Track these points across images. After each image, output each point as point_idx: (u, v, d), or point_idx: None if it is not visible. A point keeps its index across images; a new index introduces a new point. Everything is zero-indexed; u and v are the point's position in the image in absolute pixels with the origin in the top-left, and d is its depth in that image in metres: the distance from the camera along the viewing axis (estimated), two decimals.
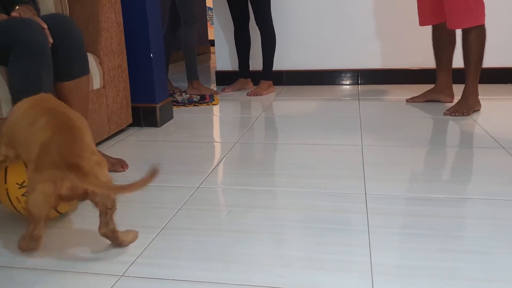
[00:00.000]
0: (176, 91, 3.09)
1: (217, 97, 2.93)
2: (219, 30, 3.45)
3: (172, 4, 2.97)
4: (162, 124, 2.24)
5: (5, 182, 1.12)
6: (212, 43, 6.15)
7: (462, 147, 1.77)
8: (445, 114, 2.28)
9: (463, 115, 2.24)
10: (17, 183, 1.11)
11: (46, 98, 1.11)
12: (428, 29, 2.50)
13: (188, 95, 2.92)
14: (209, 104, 2.74)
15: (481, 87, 2.35)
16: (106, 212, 1.00)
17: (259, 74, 3.13)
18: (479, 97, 2.31)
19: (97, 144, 1.89)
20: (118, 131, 2.10)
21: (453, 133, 1.97)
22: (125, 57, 2.03)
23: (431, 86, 2.62)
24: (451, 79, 2.51)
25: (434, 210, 1.21)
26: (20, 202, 1.12)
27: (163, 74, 2.29)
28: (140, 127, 2.21)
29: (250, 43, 3.19)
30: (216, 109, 2.63)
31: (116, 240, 1.04)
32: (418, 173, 1.50)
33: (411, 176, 1.47)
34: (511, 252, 0.99)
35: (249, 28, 3.13)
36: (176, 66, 4.34)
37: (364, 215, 1.19)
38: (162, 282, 0.92)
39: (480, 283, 0.89)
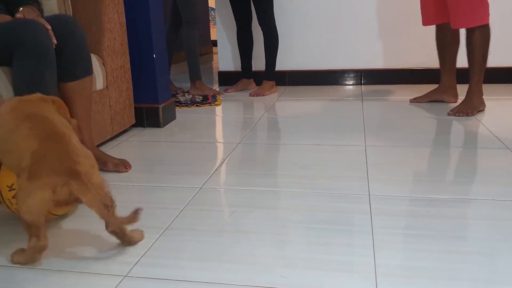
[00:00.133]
0: (178, 91, 3.09)
1: (219, 97, 2.93)
2: (222, 31, 3.45)
3: (174, 4, 2.97)
4: (165, 124, 2.25)
5: None
6: (214, 43, 6.14)
7: (466, 147, 1.76)
8: (449, 114, 2.27)
9: (467, 115, 2.23)
10: (7, 185, 1.12)
11: (24, 102, 1.09)
12: (431, 28, 2.49)
13: (190, 96, 2.93)
14: (212, 104, 2.74)
15: (486, 87, 2.33)
16: (108, 211, 1.00)
17: (262, 74, 3.13)
18: (483, 97, 2.30)
19: (100, 144, 1.89)
20: (121, 132, 2.10)
21: (457, 134, 1.96)
22: (128, 57, 2.04)
23: (435, 86, 2.61)
24: (455, 79, 2.50)
25: (438, 211, 1.21)
26: (12, 204, 1.13)
27: (166, 75, 2.29)
28: (143, 128, 2.21)
29: (252, 43, 3.19)
30: (218, 109, 2.63)
31: (124, 237, 1.05)
32: (422, 174, 1.49)
33: (415, 177, 1.46)
34: None
35: (252, 28, 3.13)
36: (178, 67, 4.34)
37: (367, 215, 1.19)
38: (165, 283, 0.92)
39: (484, 284, 0.88)
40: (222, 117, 2.47)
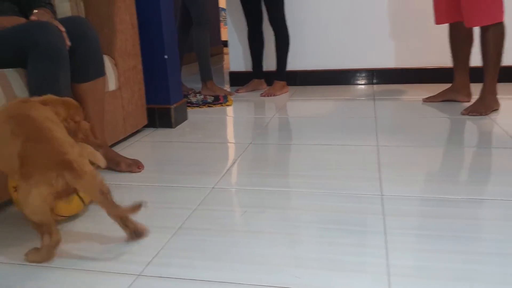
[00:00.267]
0: (190, 92, 3.10)
1: (230, 98, 2.94)
2: (233, 31, 3.46)
3: (183, 5, 2.98)
4: (176, 125, 2.26)
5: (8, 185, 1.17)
6: (225, 44, 6.16)
7: (480, 147, 1.74)
8: (462, 114, 2.25)
9: (481, 114, 2.21)
10: (13, 186, 1.14)
11: (13, 104, 1.09)
12: (444, 27, 2.47)
13: (202, 96, 2.94)
14: (223, 105, 2.75)
15: (500, 86, 2.30)
16: (106, 197, 1.01)
17: (273, 74, 3.13)
18: (497, 96, 2.27)
19: (113, 145, 1.91)
20: (134, 132, 2.12)
21: (471, 133, 1.94)
22: (140, 58, 2.05)
23: (448, 85, 2.59)
24: (468, 78, 2.47)
25: (451, 212, 1.19)
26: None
27: (177, 75, 2.30)
28: (155, 128, 2.22)
29: (263, 43, 3.19)
30: (230, 110, 2.64)
31: (128, 225, 1.06)
32: (435, 174, 1.48)
33: (427, 177, 1.45)
34: None
35: (263, 28, 3.13)
36: (189, 68, 4.36)
37: (380, 216, 1.18)
38: (178, 282, 0.93)
39: (498, 286, 0.87)
40: (233, 117, 2.47)
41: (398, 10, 3.14)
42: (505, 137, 1.83)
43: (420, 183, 1.40)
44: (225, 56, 5.88)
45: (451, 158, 1.62)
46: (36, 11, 1.48)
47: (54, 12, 1.57)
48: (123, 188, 1.45)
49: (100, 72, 1.57)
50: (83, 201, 1.22)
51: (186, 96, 2.95)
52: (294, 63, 3.32)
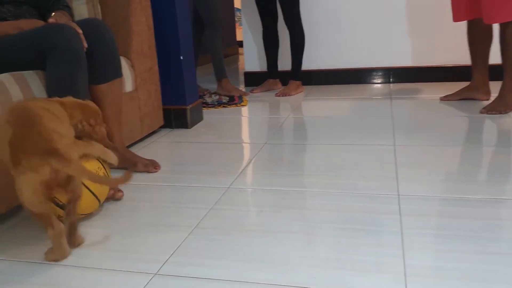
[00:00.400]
0: (205, 93, 3.12)
1: (245, 98, 2.94)
2: (247, 31, 3.46)
3: (194, 7, 3.00)
4: (192, 125, 2.27)
5: None
6: (240, 44, 6.17)
7: (499, 146, 1.71)
8: (481, 112, 2.21)
9: (500, 113, 2.17)
10: None
11: (20, 101, 1.11)
12: (461, 24, 2.43)
13: (217, 97, 2.95)
14: (238, 105, 2.75)
15: None
16: (76, 200, 1.03)
17: (288, 74, 3.13)
18: None
19: (130, 145, 1.93)
20: (150, 133, 2.14)
21: (490, 132, 1.90)
22: (156, 60, 2.07)
23: (466, 83, 2.54)
24: (487, 76, 2.43)
25: (469, 211, 1.18)
26: None
27: (193, 76, 2.31)
28: (171, 129, 2.24)
29: (278, 43, 3.18)
30: (245, 110, 2.64)
31: (72, 234, 1.08)
32: (452, 174, 1.45)
33: (445, 177, 1.43)
34: None
35: (278, 28, 3.13)
36: (204, 69, 4.38)
37: (397, 216, 1.17)
38: (194, 281, 0.93)
39: None
40: (249, 117, 2.47)
41: (415, 7, 3.10)
42: None
43: (437, 182, 1.38)
44: (240, 57, 5.89)
45: (469, 158, 1.59)
46: (54, 13, 1.50)
47: (71, 15, 1.60)
48: (140, 188, 1.47)
49: (117, 73, 1.60)
50: (98, 200, 1.24)
51: (201, 96, 2.96)
52: (309, 62, 3.31)
